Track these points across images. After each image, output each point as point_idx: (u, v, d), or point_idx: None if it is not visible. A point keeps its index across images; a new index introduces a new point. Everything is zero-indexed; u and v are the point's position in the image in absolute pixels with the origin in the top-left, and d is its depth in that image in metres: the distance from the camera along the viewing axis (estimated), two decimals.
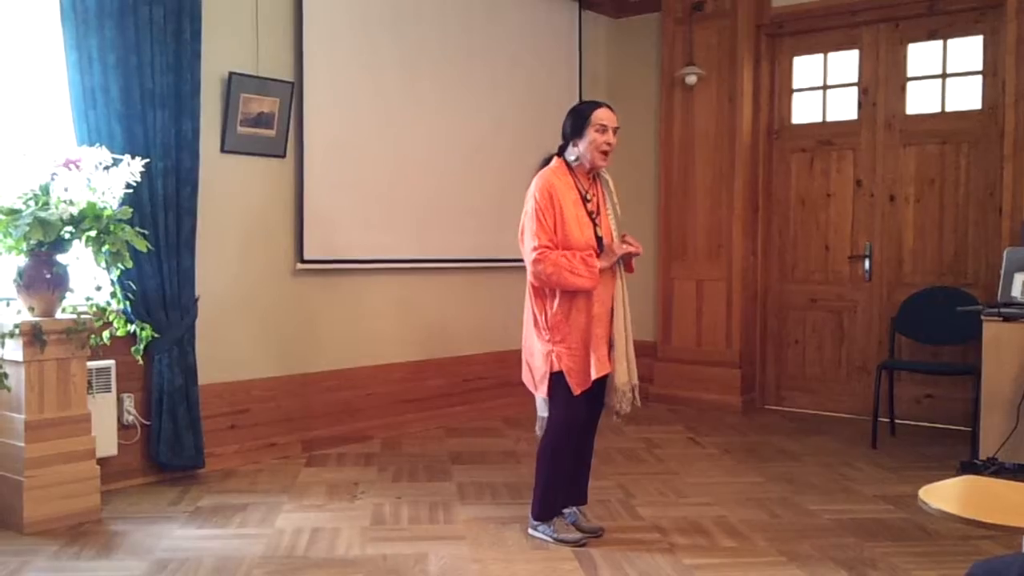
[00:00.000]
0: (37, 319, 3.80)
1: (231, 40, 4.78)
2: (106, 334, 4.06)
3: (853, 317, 6.35)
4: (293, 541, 3.66)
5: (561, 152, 3.71)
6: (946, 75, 5.98)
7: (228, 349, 4.83)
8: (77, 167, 3.78)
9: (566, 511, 3.78)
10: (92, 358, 4.09)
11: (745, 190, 6.51)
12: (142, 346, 4.24)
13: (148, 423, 4.48)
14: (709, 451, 5.31)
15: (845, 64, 6.37)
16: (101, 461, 4.06)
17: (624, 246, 3.63)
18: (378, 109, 5.49)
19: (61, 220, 3.69)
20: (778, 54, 6.63)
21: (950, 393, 5.83)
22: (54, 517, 3.77)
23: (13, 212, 3.69)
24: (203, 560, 3.43)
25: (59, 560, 3.43)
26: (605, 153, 3.62)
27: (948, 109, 5.96)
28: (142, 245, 3.91)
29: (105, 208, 3.80)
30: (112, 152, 3.95)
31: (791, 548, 3.62)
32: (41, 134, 4.16)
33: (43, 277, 3.80)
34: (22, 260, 3.80)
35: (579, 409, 3.62)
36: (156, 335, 4.31)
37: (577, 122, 3.64)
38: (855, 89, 6.31)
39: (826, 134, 6.45)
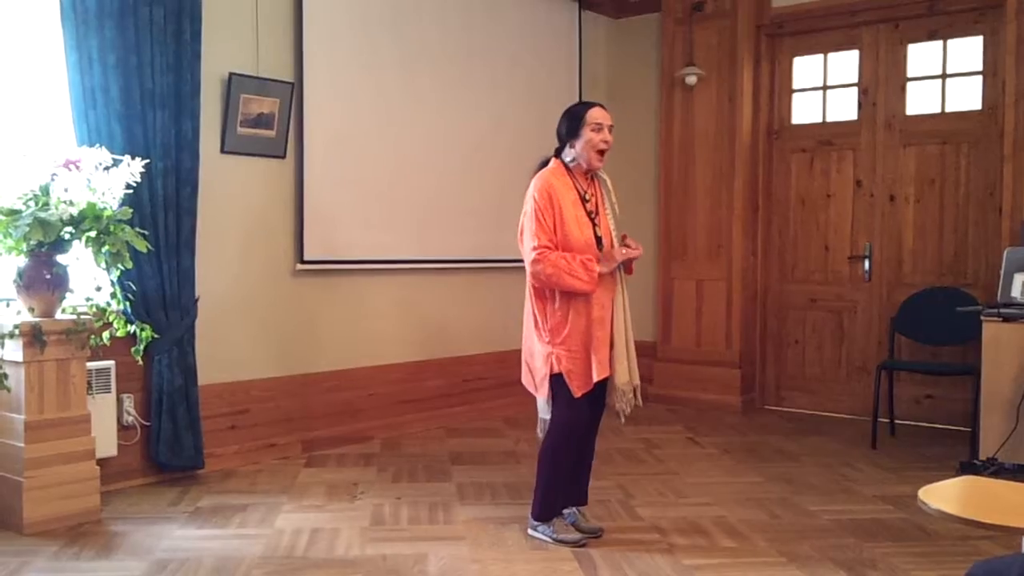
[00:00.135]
0: (37, 320, 3.80)
1: (231, 41, 4.78)
2: (106, 335, 4.06)
3: (853, 317, 6.35)
4: (293, 541, 3.66)
5: (558, 154, 3.72)
6: (946, 75, 5.98)
7: (228, 349, 4.83)
8: (77, 167, 3.78)
9: (566, 511, 3.78)
10: (92, 359, 4.09)
11: (745, 190, 6.52)
12: (142, 346, 4.24)
13: (148, 423, 4.48)
14: (709, 451, 5.31)
15: (845, 64, 6.37)
16: (101, 462, 4.06)
17: (624, 251, 3.62)
18: (378, 109, 5.49)
19: (61, 220, 3.69)
20: (778, 54, 6.63)
21: (950, 393, 5.83)
22: (54, 518, 3.77)
23: (13, 212, 3.70)
24: (203, 560, 3.44)
25: (59, 560, 3.43)
26: (602, 152, 3.64)
27: (948, 109, 5.96)
28: (142, 245, 3.91)
29: (105, 208, 3.80)
30: (112, 152, 3.94)
31: (791, 548, 3.62)
32: (41, 134, 4.16)
33: (43, 278, 3.80)
34: (22, 260, 3.80)
35: (581, 410, 3.62)
36: (156, 335, 4.31)
37: (572, 123, 3.65)
38: (855, 89, 6.32)
39: (826, 134, 6.45)
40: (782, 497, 4.35)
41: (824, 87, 6.48)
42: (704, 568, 3.41)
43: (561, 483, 3.69)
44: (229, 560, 3.44)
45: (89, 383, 4.07)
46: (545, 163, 3.74)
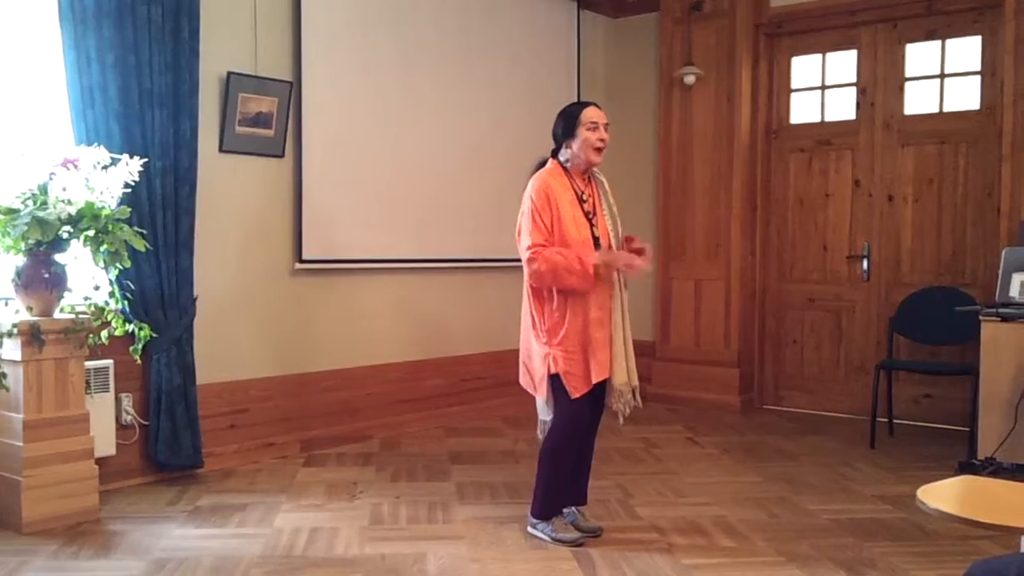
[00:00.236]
0: (35, 319, 3.79)
1: (229, 40, 4.78)
2: (104, 334, 4.06)
3: (851, 317, 6.36)
4: (291, 541, 3.66)
5: (555, 155, 3.73)
6: (944, 75, 5.98)
7: (226, 349, 4.82)
8: (75, 167, 3.78)
9: (565, 511, 3.78)
10: (90, 358, 4.09)
11: (743, 190, 6.52)
12: (140, 346, 4.24)
13: (146, 423, 4.47)
14: (708, 451, 5.32)
15: (843, 64, 6.37)
16: (99, 461, 4.06)
17: (628, 257, 3.58)
18: (377, 109, 5.49)
19: (59, 219, 3.69)
20: (776, 54, 6.63)
21: (948, 393, 5.83)
22: (52, 517, 3.77)
23: (11, 212, 3.69)
24: (201, 560, 3.43)
25: (57, 560, 3.43)
26: (599, 150, 3.64)
27: (946, 109, 5.96)
28: (140, 245, 3.90)
29: (103, 208, 3.79)
30: (110, 151, 3.94)
31: (790, 548, 3.62)
32: (39, 134, 4.16)
33: (41, 277, 3.79)
34: (20, 260, 3.80)
35: (583, 410, 3.61)
36: (154, 335, 4.31)
37: (568, 123, 3.66)
38: (853, 89, 6.32)
39: (824, 134, 6.45)
40: (781, 497, 4.35)
41: (822, 87, 6.48)
42: (703, 567, 3.41)
43: (561, 482, 3.69)
44: (228, 559, 3.44)
45: (87, 382, 4.07)
46: (542, 164, 3.75)
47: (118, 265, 3.92)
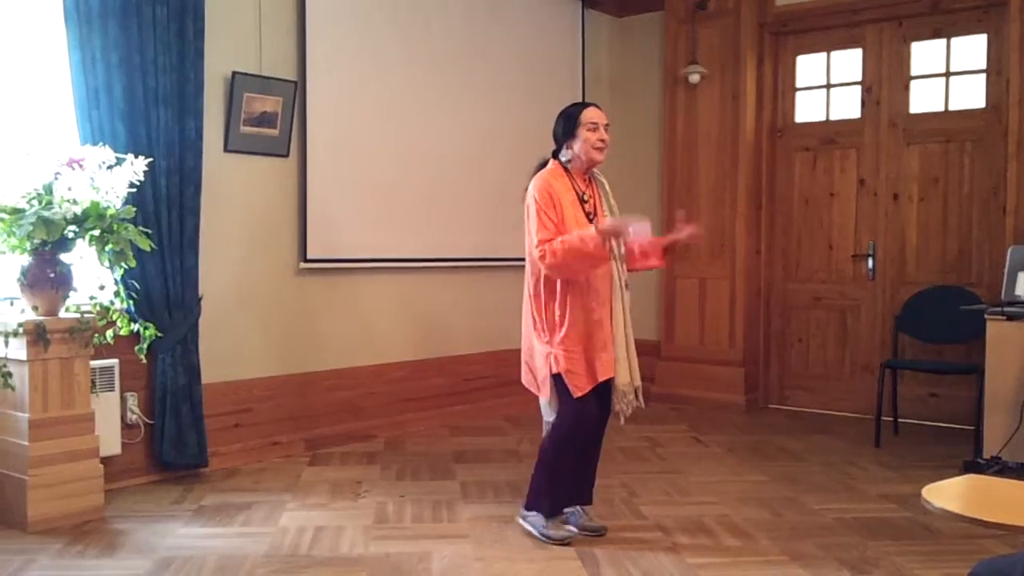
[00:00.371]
0: (41, 318, 3.80)
1: (234, 39, 4.78)
2: (109, 333, 4.06)
3: (856, 316, 6.35)
4: (296, 540, 3.67)
5: (555, 155, 3.72)
6: (950, 74, 5.97)
7: (231, 348, 4.83)
8: (81, 166, 3.79)
9: (568, 509, 3.78)
10: (96, 357, 4.09)
11: (748, 189, 6.51)
12: (145, 345, 4.25)
13: (151, 422, 4.48)
14: (712, 450, 5.31)
15: (848, 63, 6.36)
16: (104, 460, 4.06)
17: (624, 223, 3.51)
18: (381, 108, 5.49)
19: (65, 219, 3.70)
20: (781, 53, 6.62)
21: (953, 392, 5.82)
22: (58, 516, 3.78)
23: (17, 211, 3.70)
24: (206, 559, 3.44)
25: (63, 559, 3.44)
26: (600, 149, 3.64)
27: (952, 108, 5.95)
28: (145, 244, 3.91)
29: (108, 207, 3.80)
30: (115, 151, 3.94)
31: (794, 547, 3.61)
32: (45, 133, 4.17)
33: (47, 276, 3.80)
34: (26, 259, 3.80)
35: (585, 410, 3.59)
36: (159, 334, 4.31)
37: (568, 124, 3.66)
38: (858, 88, 6.31)
39: (829, 133, 6.44)
40: (786, 496, 4.35)
41: (827, 85, 6.47)
42: (708, 567, 3.40)
43: (560, 481, 3.68)
44: (233, 558, 3.45)
45: (93, 381, 4.08)
46: (543, 164, 3.74)
47: (123, 265, 3.92)
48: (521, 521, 3.75)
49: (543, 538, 3.64)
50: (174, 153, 4.40)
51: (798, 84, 6.60)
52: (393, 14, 5.55)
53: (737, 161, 6.51)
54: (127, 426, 4.41)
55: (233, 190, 4.81)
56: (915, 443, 5.47)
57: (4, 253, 3.78)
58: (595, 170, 3.75)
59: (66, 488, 3.82)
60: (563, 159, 3.69)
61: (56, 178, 3.77)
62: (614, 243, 3.53)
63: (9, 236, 3.70)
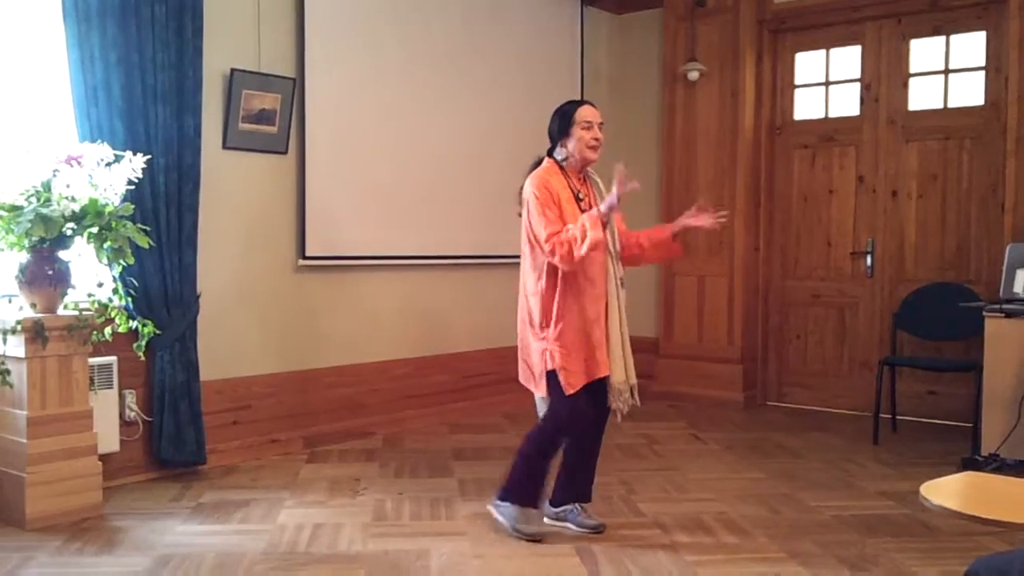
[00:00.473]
0: (39, 315, 3.80)
1: (233, 36, 4.78)
2: (108, 330, 4.06)
3: (855, 313, 6.35)
4: (295, 537, 3.67)
5: (551, 153, 3.71)
6: (948, 71, 5.97)
7: (230, 345, 4.83)
8: (79, 163, 3.78)
9: (567, 507, 3.78)
10: (94, 354, 4.09)
11: (747, 186, 6.51)
12: (144, 342, 4.25)
13: (150, 419, 4.48)
14: (711, 447, 5.31)
15: (847, 60, 6.36)
16: (103, 457, 4.06)
17: (616, 194, 3.47)
18: (380, 105, 5.49)
19: (63, 216, 3.69)
20: (780, 50, 6.62)
21: (952, 389, 5.82)
22: (56, 513, 3.78)
23: (15, 208, 3.70)
24: (205, 556, 3.44)
25: (61, 556, 3.44)
26: (594, 148, 3.64)
27: (951, 105, 5.95)
28: (144, 241, 3.91)
29: (107, 204, 3.80)
30: (114, 148, 3.94)
31: (793, 544, 3.62)
32: (43, 131, 4.16)
33: (45, 274, 3.80)
34: (24, 256, 3.80)
35: (577, 408, 3.57)
36: (158, 331, 4.31)
37: (563, 122, 3.65)
38: (857, 85, 6.31)
39: (828, 130, 6.44)
40: (784, 493, 4.35)
41: (826, 83, 6.47)
42: (706, 564, 3.41)
43: (539, 475, 3.66)
44: (231, 556, 3.45)
45: (91, 379, 4.07)
46: (538, 163, 3.73)
47: (122, 262, 3.92)
48: (492, 510, 3.73)
49: (513, 531, 3.64)
50: (172, 150, 4.39)
51: (797, 81, 6.60)
52: (392, 10, 5.54)
53: (736, 158, 6.51)
54: (125, 423, 4.41)
55: (232, 187, 4.81)
56: (913, 440, 5.47)
57: (2, 250, 3.78)
58: (589, 169, 3.75)
59: (64, 485, 3.82)
60: (558, 157, 3.69)
61: (55, 175, 3.77)
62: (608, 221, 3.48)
63: (7, 233, 3.70)
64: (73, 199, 3.74)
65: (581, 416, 3.61)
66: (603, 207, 3.49)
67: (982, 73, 5.81)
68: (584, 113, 3.63)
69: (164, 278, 4.39)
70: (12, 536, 3.64)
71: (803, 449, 5.27)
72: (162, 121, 4.35)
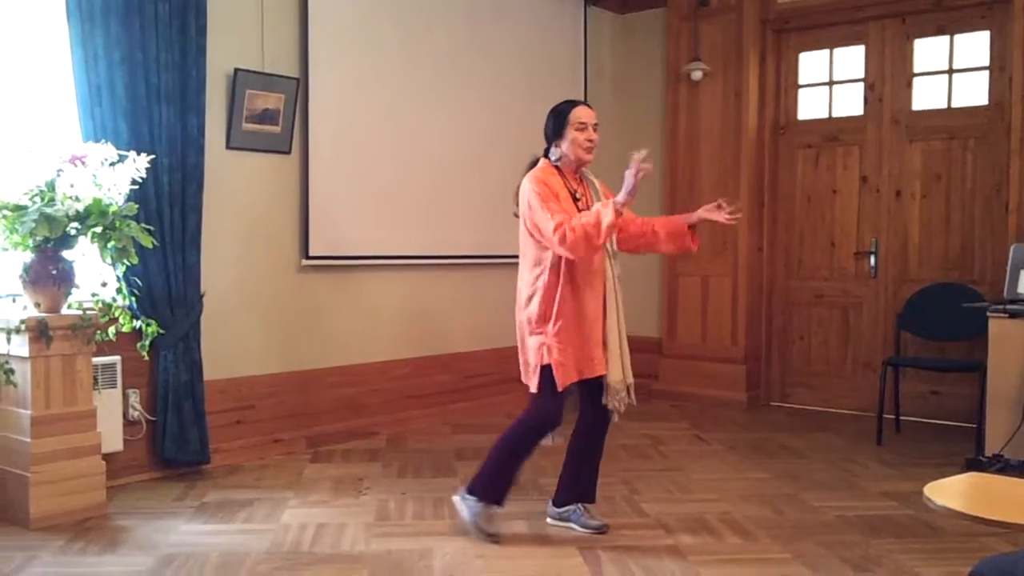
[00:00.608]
0: (43, 315, 3.80)
1: (236, 36, 4.78)
2: (112, 330, 4.07)
3: (859, 313, 6.34)
4: (298, 537, 3.67)
5: (547, 154, 3.71)
6: (952, 71, 5.96)
7: (233, 345, 4.83)
8: (83, 163, 3.79)
9: (571, 507, 3.78)
10: (98, 354, 4.09)
11: (750, 186, 6.50)
12: (147, 342, 4.25)
13: (153, 419, 4.48)
14: (714, 447, 5.31)
15: (851, 60, 6.35)
16: (107, 457, 4.07)
17: (629, 183, 3.44)
18: (383, 105, 5.49)
19: (67, 216, 3.70)
20: (784, 50, 6.61)
21: (955, 390, 5.81)
22: (60, 512, 3.78)
23: (19, 208, 3.70)
24: (209, 555, 3.44)
25: (65, 555, 3.44)
26: (588, 150, 3.62)
27: (955, 105, 5.94)
28: (148, 241, 3.91)
29: (111, 204, 3.80)
30: (118, 148, 3.94)
31: (796, 545, 3.61)
32: (47, 131, 4.17)
33: (49, 273, 3.81)
34: (28, 256, 3.81)
35: (559, 407, 3.56)
36: (161, 331, 4.32)
37: (557, 122, 3.64)
38: (861, 85, 6.30)
39: (832, 130, 6.44)
40: (787, 493, 4.35)
41: (830, 82, 6.46)
42: (709, 564, 3.40)
43: (510, 473, 3.64)
44: (235, 555, 3.45)
45: (95, 378, 4.08)
46: (534, 163, 3.73)
47: (125, 261, 3.92)
48: (458, 500, 3.71)
49: (474, 528, 3.63)
50: (176, 150, 4.40)
51: (801, 81, 6.59)
52: (395, 10, 5.55)
53: (739, 158, 6.50)
54: (129, 423, 4.41)
55: (235, 187, 4.81)
56: (917, 440, 5.47)
57: (6, 250, 3.78)
58: (585, 169, 3.74)
59: (68, 485, 3.82)
60: (553, 158, 3.67)
61: (59, 175, 3.77)
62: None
63: (12, 233, 3.70)
64: (77, 199, 3.75)
65: (558, 416, 3.58)
66: (621, 197, 3.42)
67: (986, 73, 5.80)
68: (579, 114, 3.62)
69: (168, 278, 4.40)
70: (16, 535, 3.64)
71: (806, 449, 5.26)
72: (166, 121, 4.35)
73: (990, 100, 5.78)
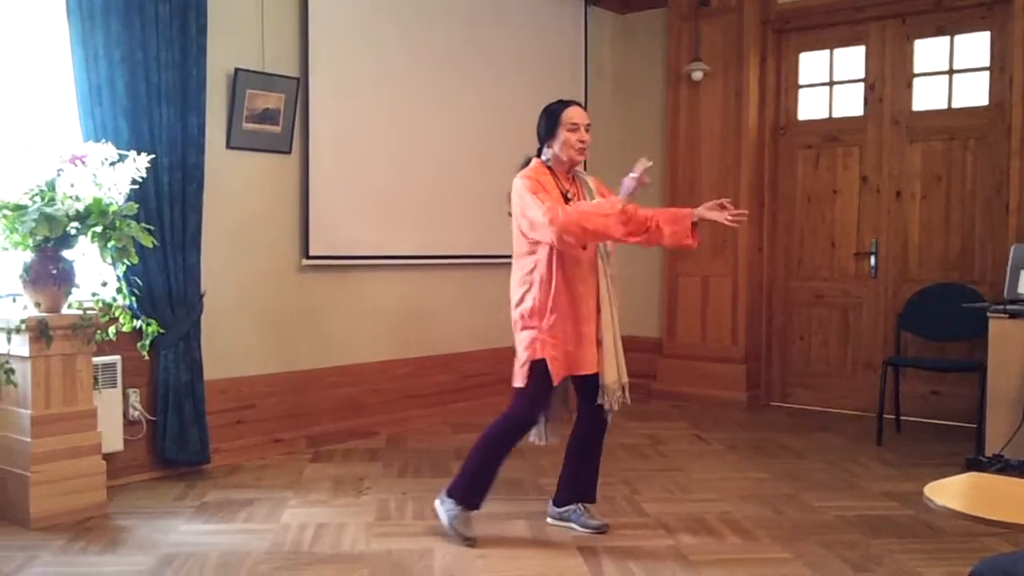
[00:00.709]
0: (43, 315, 3.80)
1: (237, 36, 4.78)
2: (112, 330, 4.07)
3: (859, 313, 6.34)
4: (298, 536, 3.67)
5: (539, 154, 3.70)
6: (953, 71, 5.96)
7: (233, 345, 4.83)
8: (83, 163, 3.79)
9: (571, 507, 3.78)
10: (98, 354, 4.09)
11: (751, 186, 6.50)
12: (148, 342, 4.25)
13: (154, 419, 4.48)
14: (714, 447, 5.31)
15: (851, 60, 6.35)
16: (107, 456, 4.06)
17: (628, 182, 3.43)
18: (383, 105, 5.49)
19: (67, 216, 3.70)
20: (784, 50, 6.61)
21: (956, 390, 5.81)
22: (60, 512, 3.78)
23: (19, 208, 3.70)
24: (209, 555, 3.44)
25: (65, 555, 3.44)
26: (580, 151, 3.62)
27: (955, 105, 5.95)
28: (148, 241, 3.91)
29: (111, 204, 3.80)
30: (118, 148, 3.94)
31: (796, 545, 3.61)
32: (47, 130, 4.17)
33: (49, 273, 3.81)
34: (28, 256, 3.81)
35: (540, 411, 3.57)
36: (162, 331, 4.32)
37: (549, 123, 3.63)
38: (861, 85, 6.30)
39: (832, 130, 6.44)
40: (787, 493, 4.35)
41: (830, 83, 6.46)
42: (709, 564, 3.40)
43: (488, 475, 3.64)
44: (235, 555, 3.45)
45: (95, 378, 4.08)
46: (527, 163, 3.72)
47: (125, 261, 3.92)
48: (437, 504, 3.71)
49: (451, 531, 3.62)
50: (176, 150, 4.40)
51: (801, 81, 6.59)
52: (395, 10, 5.55)
53: (740, 158, 6.50)
54: (129, 423, 4.41)
55: (235, 187, 4.81)
56: (917, 441, 5.47)
57: (7, 249, 3.78)
58: (578, 169, 3.74)
59: (68, 484, 3.82)
60: (544, 158, 3.66)
61: (59, 175, 3.77)
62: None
63: (12, 232, 3.70)
64: (77, 198, 3.74)
65: (537, 414, 3.58)
66: (622, 196, 3.41)
67: (986, 73, 5.80)
68: (571, 114, 3.60)
69: (168, 277, 4.40)
70: (16, 535, 3.64)
71: (806, 450, 5.26)
72: (166, 120, 4.35)
73: (990, 101, 5.78)
